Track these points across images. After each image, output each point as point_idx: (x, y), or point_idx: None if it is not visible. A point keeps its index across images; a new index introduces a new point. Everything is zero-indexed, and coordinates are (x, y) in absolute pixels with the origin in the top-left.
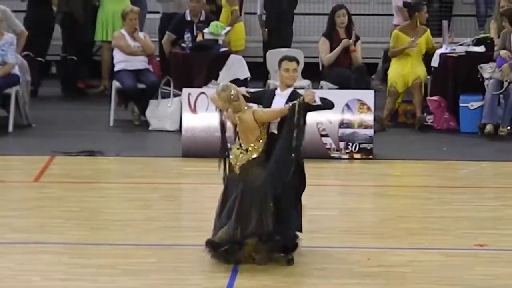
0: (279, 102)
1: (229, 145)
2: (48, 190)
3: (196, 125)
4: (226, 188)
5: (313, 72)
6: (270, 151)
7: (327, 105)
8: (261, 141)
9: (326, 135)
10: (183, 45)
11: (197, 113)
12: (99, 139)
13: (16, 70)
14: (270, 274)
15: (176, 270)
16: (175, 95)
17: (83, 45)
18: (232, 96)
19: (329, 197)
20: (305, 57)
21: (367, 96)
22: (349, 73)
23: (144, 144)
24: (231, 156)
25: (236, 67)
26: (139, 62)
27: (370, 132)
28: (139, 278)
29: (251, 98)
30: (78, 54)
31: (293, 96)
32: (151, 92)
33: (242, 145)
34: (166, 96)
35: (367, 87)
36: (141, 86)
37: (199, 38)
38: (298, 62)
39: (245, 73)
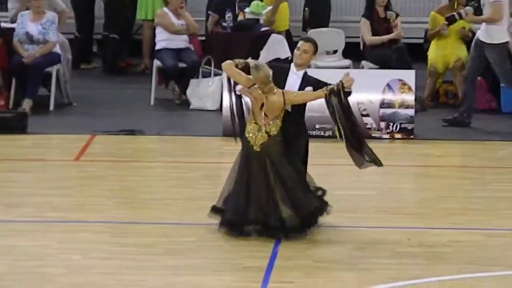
0: (295, 80)
1: None
2: (89, 169)
3: None
4: (246, 162)
5: (354, 52)
6: (284, 130)
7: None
8: (278, 120)
9: (367, 115)
10: (224, 24)
11: (238, 92)
12: (140, 118)
13: (57, 49)
14: (310, 254)
15: (216, 249)
16: (216, 75)
17: (124, 24)
18: (270, 78)
19: (369, 177)
20: (346, 37)
21: (408, 76)
22: (390, 53)
23: (184, 124)
24: (249, 134)
25: (277, 47)
26: (181, 41)
27: (411, 112)
28: (179, 257)
29: None
30: (120, 33)
31: (306, 77)
32: (192, 71)
33: (257, 122)
34: (207, 75)
35: (408, 67)
36: (182, 65)
37: (240, 17)
38: (315, 45)
39: (286, 53)
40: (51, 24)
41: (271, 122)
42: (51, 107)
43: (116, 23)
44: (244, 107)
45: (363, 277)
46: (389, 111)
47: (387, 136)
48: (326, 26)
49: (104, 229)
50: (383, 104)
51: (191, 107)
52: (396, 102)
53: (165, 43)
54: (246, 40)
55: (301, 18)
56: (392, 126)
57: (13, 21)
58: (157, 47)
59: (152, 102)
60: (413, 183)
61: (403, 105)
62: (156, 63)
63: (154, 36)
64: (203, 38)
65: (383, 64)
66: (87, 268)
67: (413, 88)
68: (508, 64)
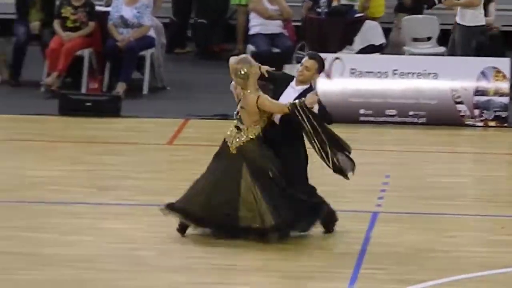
0: (290, 94)
1: None
2: (181, 153)
3: (330, 90)
4: (218, 162)
5: (448, 39)
6: (271, 139)
7: (325, 116)
8: (257, 126)
9: (461, 102)
10: (319, 10)
11: (332, 78)
12: (233, 102)
13: (152, 33)
14: (402, 241)
15: (308, 234)
16: None
17: (218, 9)
18: (239, 73)
19: (462, 165)
20: (441, 24)
21: (503, 63)
22: (484, 40)
23: None
24: (227, 134)
25: (371, 33)
26: (275, 27)
27: (505, 100)
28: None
29: (268, 77)
30: (208, 17)
31: (305, 94)
32: (285, 57)
33: (238, 123)
34: (301, 61)
35: (502, 54)
36: (275, 50)
37: (335, 3)
38: (319, 63)
39: (380, 39)
40: (146, 8)
41: (247, 127)
42: (145, 91)
43: (206, 8)
44: None
45: (455, 265)
46: (483, 98)
47: (481, 123)
48: (421, 13)
49: None
50: (477, 92)
51: None
52: (490, 89)
53: (259, 28)
54: (340, 26)
55: (394, 5)
56: (486, 114)
57: (108, 4)
58: (251, 32)
59: None
60: (507, 171)
61: (498, 93)
62: (250, 48)
63: (248, 21)
64: (298, 23)
65: (477, 51)
66: (179, 251)
67: (508, 76)
68: (471, 50)
